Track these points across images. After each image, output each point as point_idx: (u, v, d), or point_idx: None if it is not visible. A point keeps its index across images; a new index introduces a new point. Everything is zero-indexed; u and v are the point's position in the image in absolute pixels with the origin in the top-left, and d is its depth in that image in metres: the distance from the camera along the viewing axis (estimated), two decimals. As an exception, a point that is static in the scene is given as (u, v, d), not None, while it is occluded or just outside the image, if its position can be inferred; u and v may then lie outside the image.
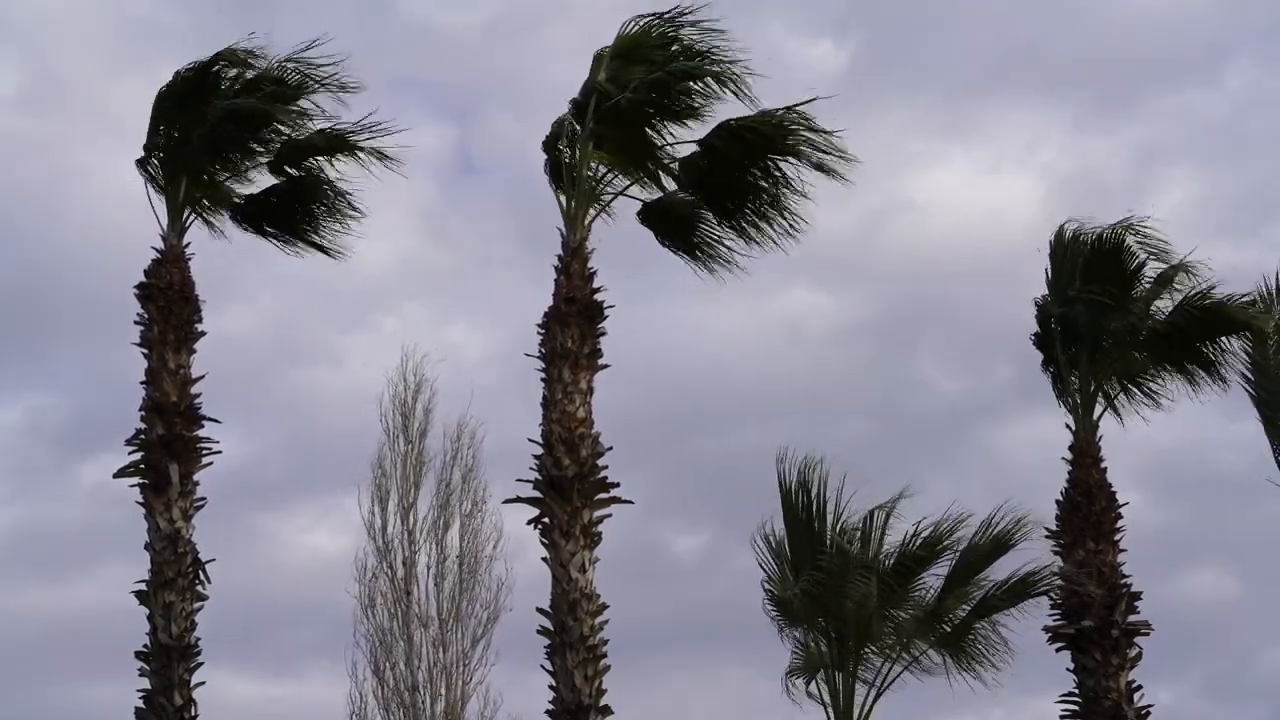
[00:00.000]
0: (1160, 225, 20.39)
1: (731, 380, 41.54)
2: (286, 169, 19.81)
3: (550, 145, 19.29)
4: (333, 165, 19.67)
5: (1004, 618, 18.60)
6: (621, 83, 18.72)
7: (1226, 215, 43.64)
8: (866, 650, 18.15)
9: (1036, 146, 47.50)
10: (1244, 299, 20.21)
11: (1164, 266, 20.51)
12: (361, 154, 19.41)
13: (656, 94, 18.81)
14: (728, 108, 18.88)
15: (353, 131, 19.31)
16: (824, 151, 18.60)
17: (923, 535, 18.29)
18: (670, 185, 19.62)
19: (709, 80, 18.70)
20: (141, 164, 19.29)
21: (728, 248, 19.78)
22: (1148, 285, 20.59)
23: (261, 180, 19.95)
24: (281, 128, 19.26)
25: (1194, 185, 45.23)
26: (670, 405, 40.05)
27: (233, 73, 19.13)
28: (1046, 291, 20.76)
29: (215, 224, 20.07)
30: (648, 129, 19.23)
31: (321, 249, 20.31)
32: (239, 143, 19.34)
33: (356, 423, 31.76)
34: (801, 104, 18.36)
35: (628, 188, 19.57)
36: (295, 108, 19.24)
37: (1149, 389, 21.01)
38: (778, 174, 19.10)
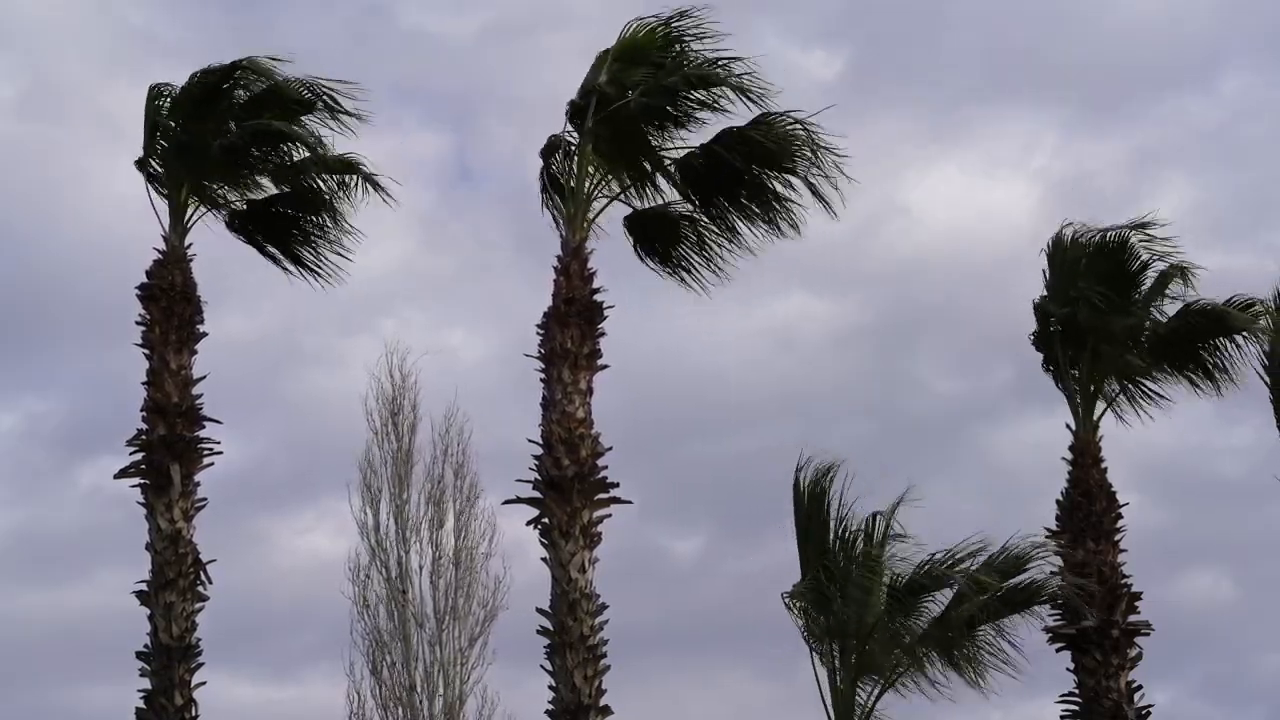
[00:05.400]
0: (1164, 228, 20.51)
1: (726, 385, 41.61)
2: (289, 185, 19.85)
3: (547, 154, 19.37)
4: (336, 185, 19.72)
5: (1006, 623, 18.53)
6: (622, 85, 18.81)
7: (1220, 220, 43.75)
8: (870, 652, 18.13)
9: (1031, 151, 47.65)
10: (1245, 303, 20.27)
11: (1166, 268, 20.55)
12: (364, 181, 19.48)
13: (666, 98, 18.92)
14: (730, 112, 19.08)
15: (361, 163, 19.46)
16: (824, 174, 18.84)
17: (933, 564, 18.18)
18: (666, 188, 19.73)
19: (725, 89, 18.82)
20: (142, 165, 19.31)
21: (711, 268, 19.89)
22: (1150, 286, 20.63)
23: (264, 185, 19.97)
24: (296, 148, 19.33)
25: (1188, 190, 45.32)
26: (665, 409, 40.10)
27: (249, 83, 19.14)
28: (1045, 293, 20.82)
29: (215, 225, 20.14)
30: (647, 132, 19.31)
31: (312, 270, 20.27)
32: (257, 157, 19.41)
33: (356, 426, 31.73)
34: (805, 114, 18.57)
35: (625, 189, 19.64)
36: (312, 127, 19.27)
37: (1149, 390, 21.08)
38: (776, 185, 19.25)
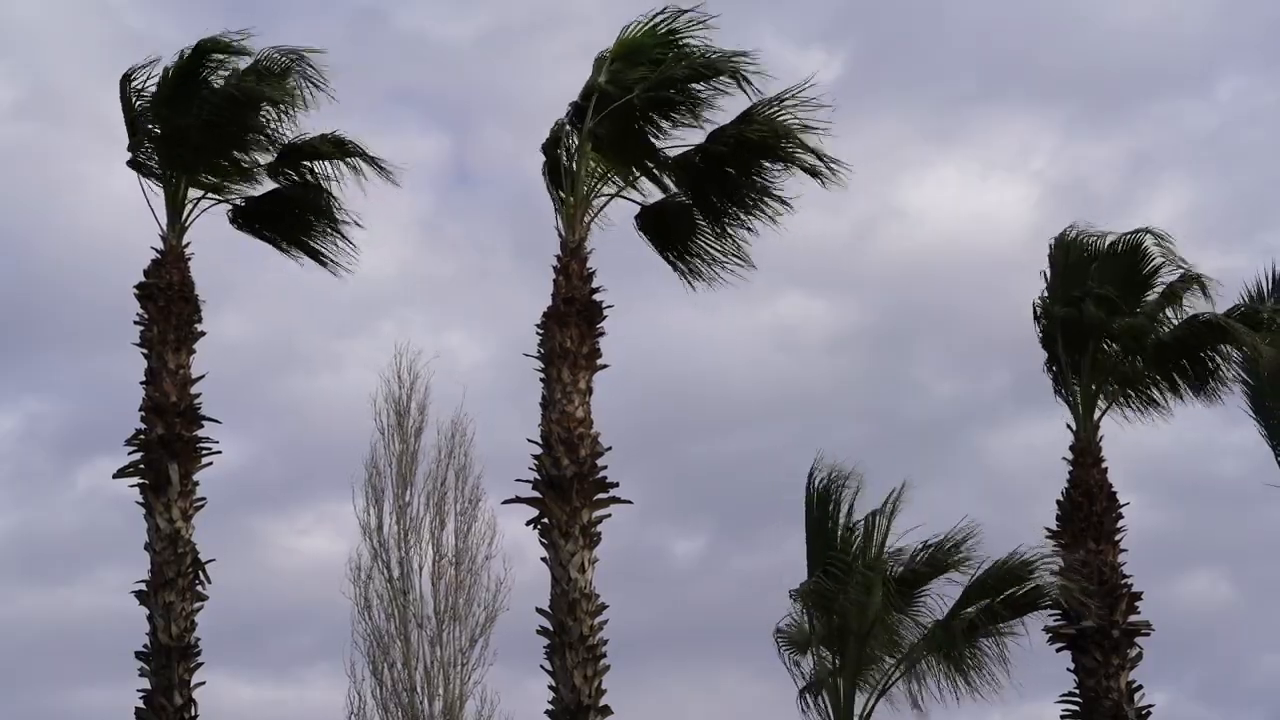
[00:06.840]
0: (1171, 234, 20.52)
1: (725, 386, 41.70)
2: (286, 171, 19.78)
3: (550, 147, 19.35)
4: (334, 169, 19.63)
5: (1007, 626, 18.51)
6: (622, 84, 18.81)
7: (1216, 223, 43.88)
8: (869, 653, 18.11)
9: (1029, 154, 47.69)
10: (1249, 313, 20.23)
11: (1177, 274, 20.50)
12: (361, 162, 19.37)
13: (670, 90, 18.95)
14: (731, 103, 19.11)
15: (352, 141, 19.32)
16: (819, 160, 18.80)
17: (930, 549, 18.18)
18: (666, 186, 19.72)
19: (726, 77, 18.81)
20: (135, 164, 19.26)
21: (727, 254, 19.87)
22: (1159, 292, 20.59)
23: (261, 182, 19.91)
24: (274, 112, 19.17)
25: (1184, 193, 45.46)
26: (664, 410, 40.16)
27: (219, 60, 19.00)
28: (1046, 293, 20.79)
29: (214, 226, 20.08)
30: (646, 129, 19.32)
31: (319, 258, 20.20)
32: (236, 128, 19.20)
33: (354, 427, 31.80)
34: (797, 103, 18.57)
35: (624, 188, 19.65)
36: (284, 91, 18.96)
37: (1148, 394, 21.03)
38: (772, 177, 19.27)
